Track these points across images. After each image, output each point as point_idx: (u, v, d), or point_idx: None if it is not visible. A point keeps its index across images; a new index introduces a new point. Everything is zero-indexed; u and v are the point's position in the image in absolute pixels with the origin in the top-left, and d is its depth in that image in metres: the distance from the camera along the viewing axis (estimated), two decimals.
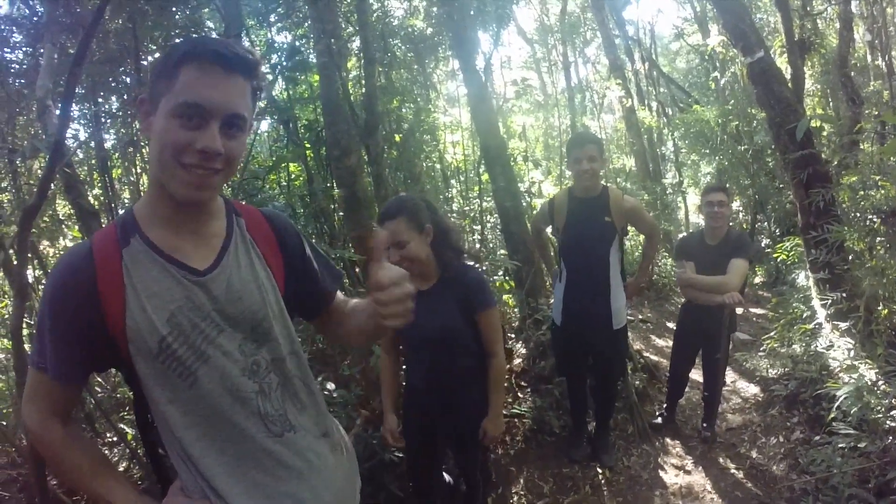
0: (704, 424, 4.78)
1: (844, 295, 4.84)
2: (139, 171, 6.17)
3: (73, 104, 5.18)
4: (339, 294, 1.75)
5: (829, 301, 4.88)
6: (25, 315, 3.64)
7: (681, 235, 5.88)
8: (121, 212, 6.15)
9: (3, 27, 4.96)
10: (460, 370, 2.81)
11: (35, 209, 2.88)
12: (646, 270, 4.65)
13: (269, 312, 1.46)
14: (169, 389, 1.36)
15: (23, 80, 5.07)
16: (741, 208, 12.19)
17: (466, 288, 2.71)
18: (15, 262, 3.37)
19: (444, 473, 3.46)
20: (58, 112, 3.66)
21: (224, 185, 1.43)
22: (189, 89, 1.25)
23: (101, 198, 5.65)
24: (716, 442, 4.63)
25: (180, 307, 1.35)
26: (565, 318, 4.16)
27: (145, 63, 5.46)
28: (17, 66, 5.14)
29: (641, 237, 9.62)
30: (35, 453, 3.07)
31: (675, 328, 5.12)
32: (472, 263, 2.85)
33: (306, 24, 6.48)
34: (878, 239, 5.08)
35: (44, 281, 5.09)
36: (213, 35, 6.41)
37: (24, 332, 3.43)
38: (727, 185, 12.08)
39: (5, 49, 5.03)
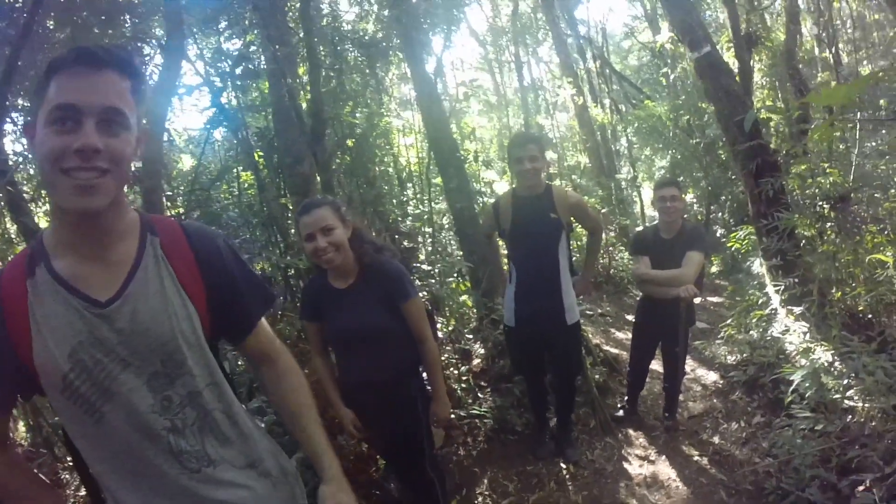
0: (666, 414, 4.81)
1: (797, 280, 4.93)
2: None
3: (20, 117, 5.06)
4: (265, 328, 1.65)
5: (783, 286, 4.97)
6: None
7: (637, 229, 5.88)
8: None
9: None
10: (393, 363, 2.82)
11: None
12: (592, 267, 4.58)
13: (181, 343, 1.36)
14: (78, 424, 1.31)
15: None
16: (695, 200, 12.37)
17: (386, 282, 2.72)
18: None
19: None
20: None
21: (118, 190, 1.30)
22: (59, 93, 1.20)
23: (48, 215, 5.50)
24: (678, 431, 4.65)
25: (82, 342, 1.26)
26: (518, 318, 4.09)
27: None
28: None
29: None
30: None
31: (633, 322, 5.12)
32: (389, 257, 2.85)
33: (255, 32, 6.40)
34: (829, 224, 5.19)
35: None
36: (157, 44, 6.30)
37: None
38: (679, 179, 12.34)
39: None
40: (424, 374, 3.00)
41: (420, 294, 4.87)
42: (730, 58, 8.36)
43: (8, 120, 4.88)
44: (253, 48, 6.68)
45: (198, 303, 1.41)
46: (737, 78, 6.57)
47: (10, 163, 4.71)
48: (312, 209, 2.61)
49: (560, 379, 4.36)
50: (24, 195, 4.90)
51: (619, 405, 5.13)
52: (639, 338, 4.91)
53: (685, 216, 4.74)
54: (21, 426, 5.43)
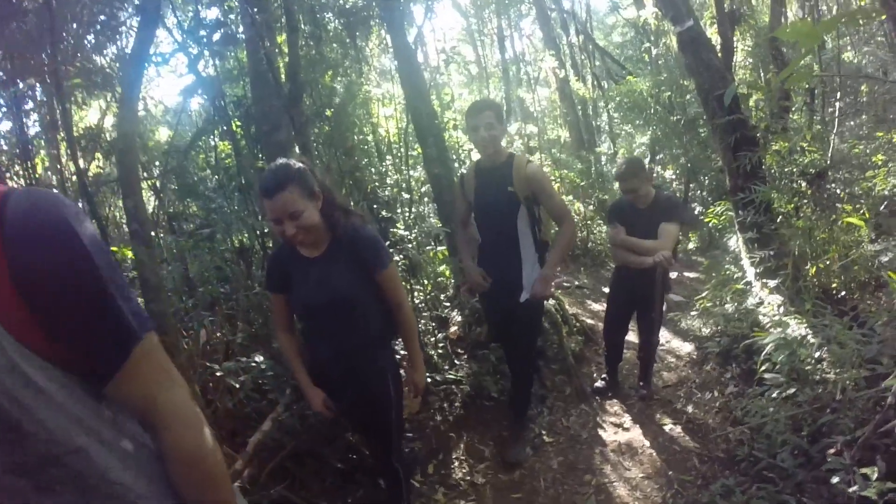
0: (641, 383, 4.87)
1: (772, 253, 4.98)
2: (66, 156, 5.94)
3: None
4: (143, 377, 1.09)
5: (758, 259, 5.02)
6: None
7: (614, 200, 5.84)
8: None
9: None
10: (363, 338, 2.67)
11: None
12: (553, 263, 3.77)
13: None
14: None
15: None
16: (675, 177, 12.43)
17: (360, 249, 2.56)
18: None
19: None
20: None
21: None
22: None
23: (25, 186, 5.39)
24: (653, 399, 4.72)
25: None
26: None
27: (65, 43, 5.23)
28: None
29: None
30: None
31: (607, 298, 5.11)
32: (360, 222, 2.66)
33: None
34: (805, 201, 5.24)
35: None
36: (132, 10, 6.17)
37: None
38: (659, 156, 12.39)
39: None
40: (396, 347, 2.91)
41: (396, 260, 4.89)
42: (713, 34, 8.34)
43: None
44: (231, 16, 6.57)
45: (24, 334, 0.94)
46: (718, 54, 6.57)
47: None
48: (276, 193, 2.32)
49: (511, 362, 4.24)
50: None
51: (601, 377, 5.13)
52: (614, 307, 4.90)
53: (658, 187, 4.80)
54: None
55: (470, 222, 4.10)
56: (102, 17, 5.50)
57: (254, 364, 3.51)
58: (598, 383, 5.03)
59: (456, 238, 4.56)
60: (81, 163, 5.52)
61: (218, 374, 3.40)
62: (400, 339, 3.03)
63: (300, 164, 2.47)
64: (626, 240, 4.48)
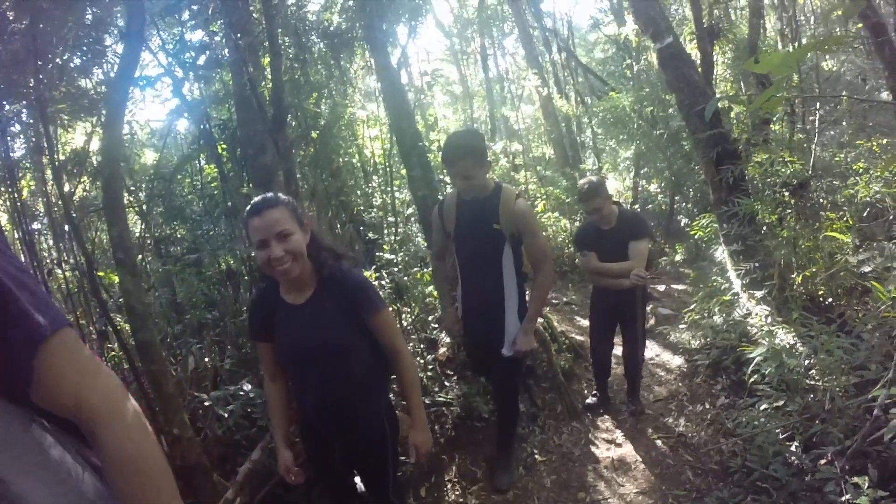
0: (629, 399, 4.88)
1: (758, 265, 5.02)
2: (51, 180, 5.92)
3: None
4: (71, 376, 1.00)
5: (744, 271, 5.05)
6: None
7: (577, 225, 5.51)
8: (35, 225, 5.87)
9: None
10: (355, 384, 2.46)
11: None
12: (534, 315, 3.61)
13: None
14: None
15: None
16: (659, 191, 12.52)
17: (350, 293, 2.36)
18: None
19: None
20: None
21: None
22: None
23: (10, 210, 5.37)
24: (643, 414, 4.72)
25: None
26: (465, 325, 3.86)
27: (51, 66, 5.22)
28: None
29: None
30: None
31: (589, 316, 5.06)
32: (350, 265, 2.47)
33: (219, 22, 6.30)
34: (788, 211, 5.29)
35: None
36: (118, 33, 6.18)
37: None
38: (644, 170, 12.46)
39: None
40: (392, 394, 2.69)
41: (382, 285, 4.87)
42: (692, 50, 8.45)
43: None
44: (217, 38, 6.60)
45: None
46: (699, 69, 6.65)
47: None
48: (264, 210, 2.19)
49: (496, 402, 4.20)
50: None
51: (591, 394, 5.09)
52: (597, 325, 4.88)
53: (619, 203, 4.68)
54: None
55: (447, 255, 3.89)
56: (88, 41, 5.51)
57: (242, 392, 3.48)
58: (590, 399, 5.00)
59: (432, 273, 4.36)
60: (67, 187, 5.51)
61: (206, 403, 3.38)
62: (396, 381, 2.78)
63: (289, 197, 2.35)
64: (598, 266, 4.50)
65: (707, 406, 4.56)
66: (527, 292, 3.68)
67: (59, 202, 5.89)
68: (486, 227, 3.41)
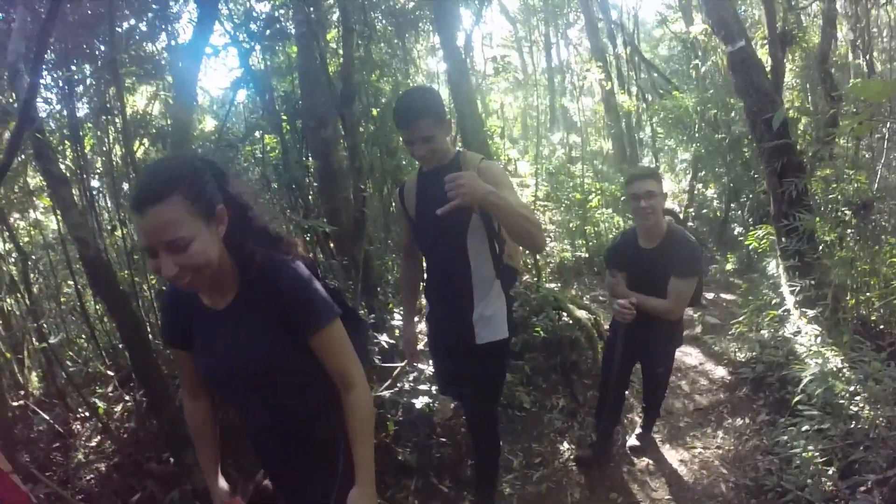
0: (640, 432, 4.34)
1: (813, 282, 4.93)
2: (112, 140, 6.09)
3: (46, 72, 5.09)
4: None
5: (798, 288, 4.97)
6: None
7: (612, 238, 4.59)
8: (93, 182, 6.05)
9: None
10: (299, 412, 1.94)
11: (4, 169, 2.84)
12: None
13: None
14: None
15: None
16: (715, 196, 12.30)
17: (283, 301, 1.74)
18: None
19: None
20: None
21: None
22: None
23: (73, 167, 5.56)
24: (647, 450, 4.32)
25: None
26: (429, 326, 3.31)
27: (120, 30, 5.37)
28: None
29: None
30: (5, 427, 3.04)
31: (604, 344, 4.47)
32: (288, 257, 1.81)
33: None
34: (849, 231, 5.18)
35: (15, 254, 4.99)
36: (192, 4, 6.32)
37: None
38: (701, 174, 12.26)
39: None
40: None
41: None
42: (763, 55, 8.27)
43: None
44: (281, 11, 6.68)
45: None
46: (768, 75, 6.51)
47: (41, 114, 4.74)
48: (147, 206, 1.47)
49: (469, 419, 3.48)
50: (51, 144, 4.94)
51: (588, 442, 4.35)
52: (611, 359, 3.88)
53: (670, 217, 3.80)
54: (34, 376, 5.52)
55: (415, 251, 3.27)
56: (155, 6, 5.65)
57: None
58: (584, 452, 4.17)
59: (400, 275, 3.71)
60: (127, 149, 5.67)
61: None
62: None
63: (198, 162, 1.67)
64: (627, 296, 3.55)
65: (747, 421, 4.52)
66: (512, 284, 3.10)
67: (120, 161, 6.09)
68: (445, 200, 2.49)
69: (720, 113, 11.27)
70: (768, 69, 7.08)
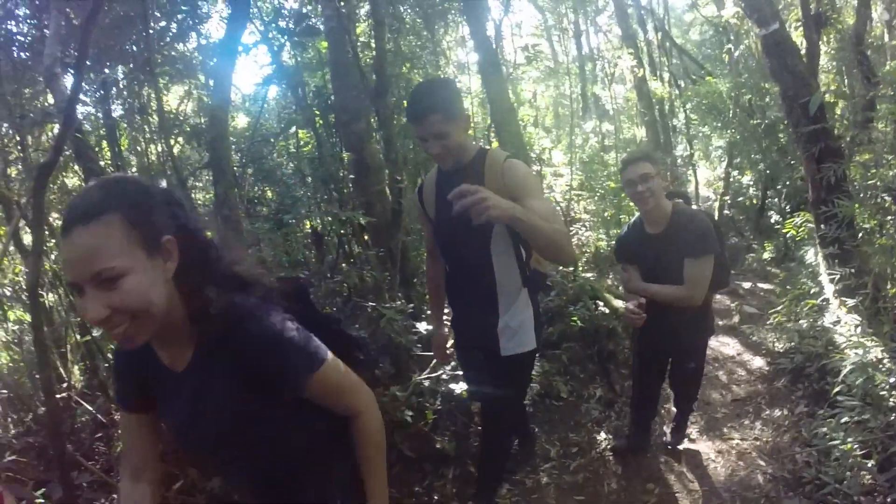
0: (671, 434, 4.22)
1: (853, 271, 4.84)
2: (146, 140, 6.21)
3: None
4: None
5: (838, 277, 4.89)
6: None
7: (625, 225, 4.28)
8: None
9: (7, 1, 4.96)
10: (278, 482, 1.67)
11: (51, 166, 2.92)
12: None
13: None
14: None
15: (27, 53, 5.06)
16: (751, 183, 12.09)
17: (250, 363, 1.41)
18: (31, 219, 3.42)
19: None
20: (68, 75, 3.68)
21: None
22: None
23: (110, 167, 5.68)
24: (679, 448, 4.22)
25: None
26: (455, 330, 3.18)
27: (152, 31, 5.46)
28: (22, 39, 5.14)
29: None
30: (54, 418, 3.14)
31: (632, 337, 4.34)
32: (254, 301, 1.47)
33: None
34: (889, 217, 5.07)
35: (55, 254, 5.11)
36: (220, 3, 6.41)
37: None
38: (737, 160, 12.07)
39: (9, 22, 5.04)
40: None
41: None
42: (797, 37, 8.10)
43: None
44: (309, 7, 6.73)
45: None
46: (803, 58, 6.38)
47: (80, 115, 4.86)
48: (74, 225, 1.19)
49: (484, 431, 3.42)
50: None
51: (624, 433, 4.27)
52: (644, 357, 3.83)
53: (678, 200, 3.46)
54: (76, 369, 5.64)
55: (439, 252, 3.05)
56: (185, 7, 5.74)
57: None
58: (620, 441, 4.17)
59: (426, 275, 3.61)
60: (165, 146, 5.78)
61: None
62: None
63: (151, 186, 1.39)
64: (639, 287, 3.41)
65: (785, 412, 4.47)
66: (540, 289, 3.02)
67: (155, 159, 6.20)
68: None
69: (755, 98, 11.07)
70: (802, 52, 6.94)
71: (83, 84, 5.25)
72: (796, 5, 9.01)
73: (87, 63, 5.07)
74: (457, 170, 2.63)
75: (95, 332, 4.83)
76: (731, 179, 12.40)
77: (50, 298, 5.41)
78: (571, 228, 10.33)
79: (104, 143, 6.17)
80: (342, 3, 5.60)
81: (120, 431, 1.70)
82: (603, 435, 4.37)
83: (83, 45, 2.92)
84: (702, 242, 3.14)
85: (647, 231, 3.36)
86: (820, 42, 9.37)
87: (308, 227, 5.48)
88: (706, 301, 3.40)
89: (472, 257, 2.71)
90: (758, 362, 5.56)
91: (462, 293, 2.95)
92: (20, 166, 5.25)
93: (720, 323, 6.78)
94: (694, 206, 3.78)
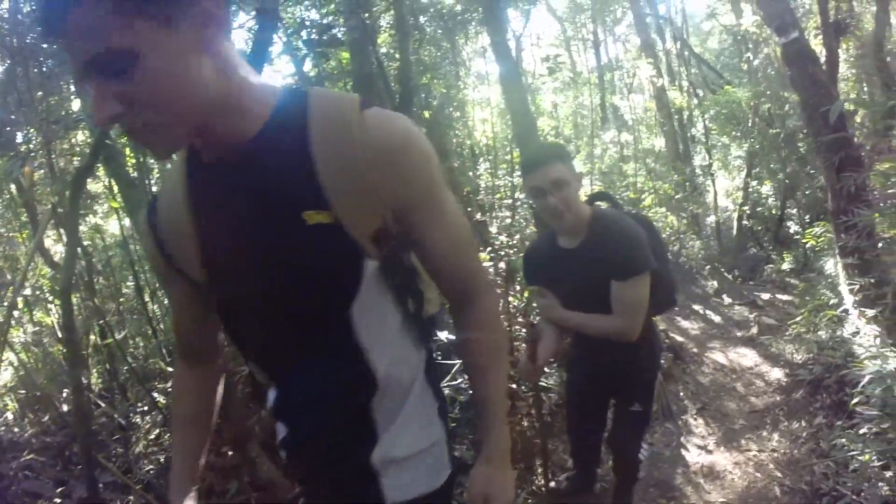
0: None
1: (873, 281, 4.82)
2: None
3: None
4: None
5: (857, 287, 4.86)
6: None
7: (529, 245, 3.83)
8: (154, 187, 6.32)
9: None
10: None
11: (89, 170, 3.01)
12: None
13: None
14: None
15: (54, 60, 5.16)
16: (771, 193, 12.03)
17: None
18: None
19: None
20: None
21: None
22: None
23: (136, 171, 5.78)
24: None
25: None
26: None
27: None
28: (48, 47, 5.25)
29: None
30: (82, 418, 3.21)
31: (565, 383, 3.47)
32: None
33: (336, 2, 6.51)
34: None
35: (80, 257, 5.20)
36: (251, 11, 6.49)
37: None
38: (755, 170, 11.98)
39: (38, 30, 5.14)
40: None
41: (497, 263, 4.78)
42: (816, 45, 8.07)
43: None
44: (331, 18, 6.81)
45: None
46: (822, 67, 6.36)
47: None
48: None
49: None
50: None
51: (564, 474, 3.69)
52: (574, 399, 3.17)
53: (596, 203, 2.75)
54: (95, 371, 5.72)
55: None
56: None
57: None
58: (560, 479, 3.58)
59: None
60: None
61: None
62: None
63: None
64: (563, 318, 2.63)
65: (803, 423, 4.45)
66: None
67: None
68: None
69: (774, 107, 11.04)
70: (822, 60, 6.92)
71: None
72: (815, 13, 8.97)
73: None
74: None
75: (118, 336, 4.90)
76: (750, 189, 12.33)
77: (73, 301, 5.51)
78: None
79: (126, 150, 6.28)
80: (366, 15, 5.66)
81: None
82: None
83: None
84: (630, 260, 2.35)
85: (561, 245, 2.58)
86: (839, 50, 9.33)
87: None
88: (648, 326, 2.62)
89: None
90: (776, 373, 5.54)
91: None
92: (44, 171, 5.36)
93: (738, 334, 6.76)
94: (631, 210, 3.03)
